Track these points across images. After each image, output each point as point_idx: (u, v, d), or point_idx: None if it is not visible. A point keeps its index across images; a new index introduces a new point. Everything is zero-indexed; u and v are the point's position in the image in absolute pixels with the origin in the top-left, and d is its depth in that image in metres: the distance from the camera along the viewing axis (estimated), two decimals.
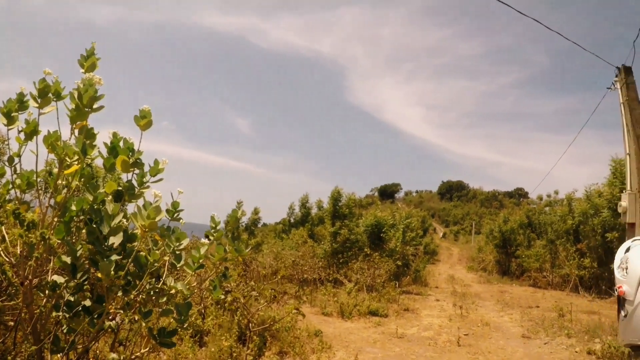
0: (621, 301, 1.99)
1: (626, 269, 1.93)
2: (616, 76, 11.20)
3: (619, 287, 1.93)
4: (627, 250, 2.17)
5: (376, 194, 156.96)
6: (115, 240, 3.08)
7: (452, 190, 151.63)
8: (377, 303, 14.55)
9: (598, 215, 20.33)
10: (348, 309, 13.19)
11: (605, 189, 20.44)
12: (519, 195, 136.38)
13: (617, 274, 2.04)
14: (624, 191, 10.82)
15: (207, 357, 7.00)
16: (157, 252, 3.40)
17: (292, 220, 34.46)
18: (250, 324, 7.65)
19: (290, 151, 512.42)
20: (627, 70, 10.93)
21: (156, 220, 3.19)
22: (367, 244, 21.88)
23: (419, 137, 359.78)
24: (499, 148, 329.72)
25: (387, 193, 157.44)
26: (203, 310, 8.51)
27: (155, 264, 3.37)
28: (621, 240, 17.56)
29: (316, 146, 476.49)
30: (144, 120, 3.40)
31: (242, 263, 15.94)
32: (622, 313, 1.98)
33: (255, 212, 32.32)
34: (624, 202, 10.41)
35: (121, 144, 3.31)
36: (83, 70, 3.29)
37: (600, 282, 20.13)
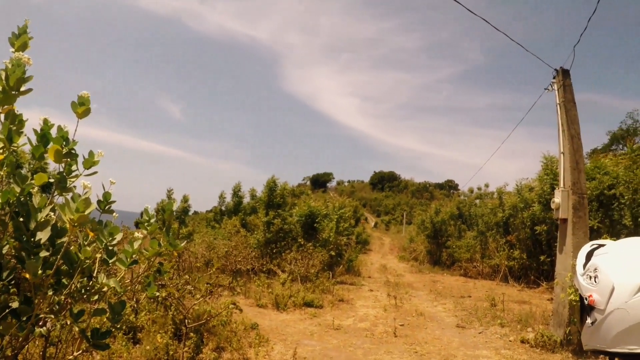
0: (587, 308, 1.93)
1: (595, 277, 1.86)
2: (554, 78, 11.39)
3: (589, 296, 1.86)
4: (589, 255, 2.10)
5: (308, 183, 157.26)
6: (43, 236, 2.82)
7: (384, 181, 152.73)
8: (312, 294, 14.46)
9: (528, 208, 20.78)
10: (283, 301, 13.04)
11: (536, 184, 20.91)
12: (449, 187, 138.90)
13: (582, 281, 1.96)
14: (556, 188, 11.03)
15: (142, 356, 6.73)
16: (88, 248, 3.14)
17: (223, 209, 34.06)
18: (186, 320, 7.40)
19: (222, 138, 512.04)
20: (565, 73, 11.14)
21: (86, 213, 2.93)
22: (300, 234, 21.75)
23: (352, 128, 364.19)
24: (431, 140, 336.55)
25: (320, 182, 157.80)
26: (135, 305, 8.22)
27: (87, 261, 3.12)
28: (550, 233, 18.07)
29: (249, 134, 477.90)
30: (82, 108, 3.11)
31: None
32: (589, 320, 1.91)
33: (185, 199, 31.77)
34: (557, 199, 10.60)
35: (53, 131, 3.03)
36: (13, 50, 3.00)
37: (529, 272, 20.61)
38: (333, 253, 20.77)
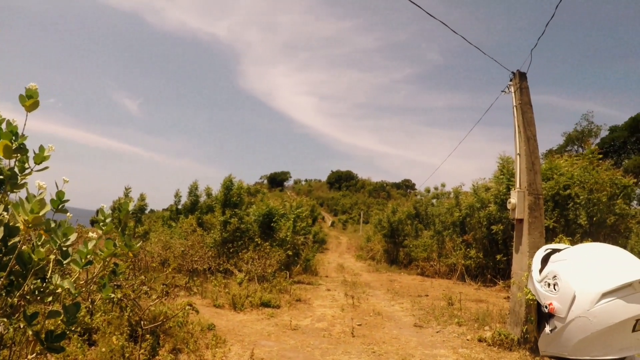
0: (546, 315, 1.92)
1: (555, 285, 1.85)
2: (511, 80, 11.51)
3: (549, 304, 1.84)
4: (545, 260, 2.09)
5: (265, 181, 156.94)
6: None
7: (341, 180, 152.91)
8: (269, 294, 14.38)
9: (484, 208, 21.03)
10: (240, 301, 12.93)
11: (492, 184, 21.15)
12: (406, 186, 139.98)
13: (540, 288, 1.94)
14: (512, 188, 11.15)
15: (97, 358, 6.58)
16: (41, 250, 3.03)
17: (179, 208, 33.72)
18: (142, 322, 7.27)
19: (179, 135, 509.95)
20: (521, 76, 11.26)
21: (41, 214, 2.83)
22: (257, 233, 21.62)
23: (310, 126, 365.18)
24: (389, 140, 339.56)
25: (277, 181, 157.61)
26: (91, 307, 8.06)
27: (41, 262, 3.02)
28: (506, 233, 18.29)
29: (207, 131, 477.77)
30: (30, 101, 3.00)
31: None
32: (548, 327, 1.90)
33: (142, 198, 31.34)
34: (513, 199, 10.73)
35: (3, 126, 2.92)
36: None
37: (485, 271, 20.89)
38: (290, 252, 20.74)
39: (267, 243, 19.92)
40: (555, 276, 1.92)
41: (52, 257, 3.15)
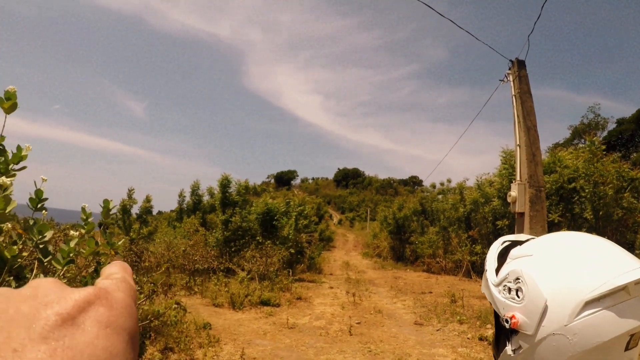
0: (507, 332, 1.36)
1: (517, 290, 1.31)
2: (509, 69, 11.35)
3: (511, 317, 1.31)
4: (502, 256, 1.54)
5: (272, 181, 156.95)
6: None
7: (348, 178, 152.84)
8: (269, 292, 14.27)
9: (489, 203, 20.83)
10: (239, 299, 12.83)
11: (495, 178, 20.96)
12: (413, 183, 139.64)
13: (497, 293, 1.39)
14: (513, 181, 10.97)
15: None
16: (14, 247, 2.94)
17: (184, 208, 33.62)
18: None
19: (186, 137, 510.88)
20: (520, 64, 11.09)
21: (7, 211, 2.75)
22: (259, 232, 21.52)
23: (315, 125, 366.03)
24: (394, 137, 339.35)
25: (284, 180, 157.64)
26: None
27: (19, 260, 2.93)
28: (511, 228, 18.06)
29: (213, 132, 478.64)
30: (8, 103, 2.94)
31: (134, 254, 15.40)
32: (510, 346, 1.37)
33: (147, 200, 31.26)
34: (513, 192, 10.56)
35: None
36: None
37: None
38: (293, 250, 20.60)
39: (269, 241, 19.79)
40: (518, 278, 1.44)
41: (25, 254, 3.07)
